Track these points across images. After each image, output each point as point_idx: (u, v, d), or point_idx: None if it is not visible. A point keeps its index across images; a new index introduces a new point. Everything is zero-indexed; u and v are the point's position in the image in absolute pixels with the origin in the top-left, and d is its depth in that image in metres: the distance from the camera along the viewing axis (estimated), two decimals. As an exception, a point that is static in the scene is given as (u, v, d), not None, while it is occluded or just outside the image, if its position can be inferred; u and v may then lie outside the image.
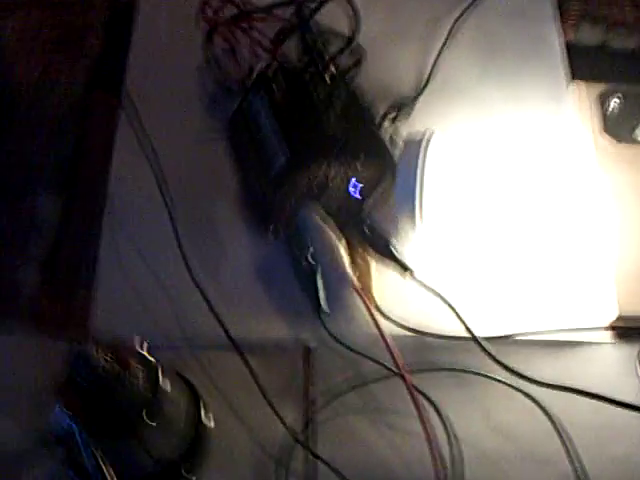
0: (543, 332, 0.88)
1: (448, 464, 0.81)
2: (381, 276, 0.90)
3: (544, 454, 0.83)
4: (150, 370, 0.71)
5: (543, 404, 0.84)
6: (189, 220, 0.94)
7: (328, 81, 0.94)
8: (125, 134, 1.00)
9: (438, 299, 0.87)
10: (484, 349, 0.84)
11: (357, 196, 0.91)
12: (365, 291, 0.86)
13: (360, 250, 0.90)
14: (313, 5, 0.97)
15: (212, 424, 0.82)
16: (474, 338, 0.85)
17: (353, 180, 0.90)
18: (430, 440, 0.77)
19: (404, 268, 0.89)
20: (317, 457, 0.81)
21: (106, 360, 0.66)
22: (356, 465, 0.81)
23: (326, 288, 0.87)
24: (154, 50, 1.08)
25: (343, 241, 0.88)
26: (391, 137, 0.95)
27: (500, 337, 0.88)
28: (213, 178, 0.98)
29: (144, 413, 0.70)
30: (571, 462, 0.81)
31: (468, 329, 0.85)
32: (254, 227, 0.94)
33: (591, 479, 0.80)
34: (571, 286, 0.91)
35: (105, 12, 1.12)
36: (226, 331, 0.86)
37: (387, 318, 0.87)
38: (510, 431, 0.84)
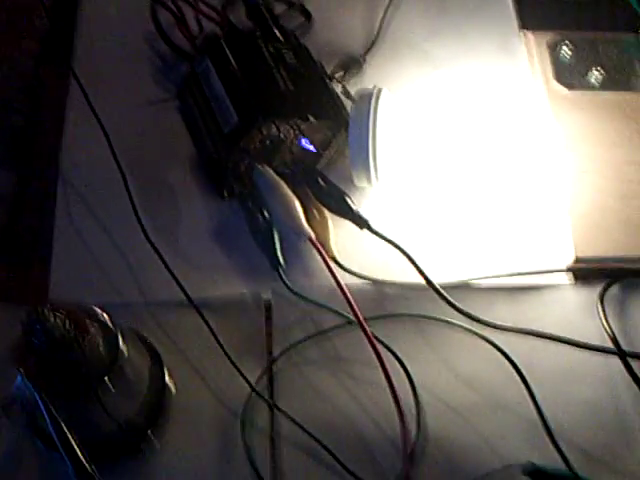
0: (500, 276, 0.88)
1: (411, 412, 0.80)
2: (337, 229, 0.89)
3: (507, 400, 0.82)
4: (108, 332, 0.70)
5: (504, 349, 0.83)
6: (143, 185, 0.93)
7: (279, 37, 0.95)
8: (76, 105, 0.98)
9: (395, 249, 0.87)
10: (442, 296, 0.84)
11: (311, 149, 0.90)
12: (321, 243, 0.86)
13: (315, 204, 0.89)
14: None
15: (173, 383, 0.81)
16: (432, 285, 0.85)
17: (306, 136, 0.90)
18: (393, 388, 0.77)
19: (360, 220, 0.88)
20: (278, 409, 0.80)
21: (62, 322, 0.65)
22: (317, 416, 0.80)
23: (282, 242, 0.87)
24: (101, 25, 1.06)
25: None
26: (342, 93, 0.95)
27: (457, 283, 0.88)
28: (166, 142, 0.97)
29: (104, 375, 0.69)
30: (535, 407, 0.80)
31: (425, 277, 0.85)
32: (208, 188, 0.93)
33: (555, 423, 0.79)
34: (527, 231, 0.92)
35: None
36: (183, 289, 0.85)
37: (344, 269, 0.86)
38: (472, 378, 0.83)
